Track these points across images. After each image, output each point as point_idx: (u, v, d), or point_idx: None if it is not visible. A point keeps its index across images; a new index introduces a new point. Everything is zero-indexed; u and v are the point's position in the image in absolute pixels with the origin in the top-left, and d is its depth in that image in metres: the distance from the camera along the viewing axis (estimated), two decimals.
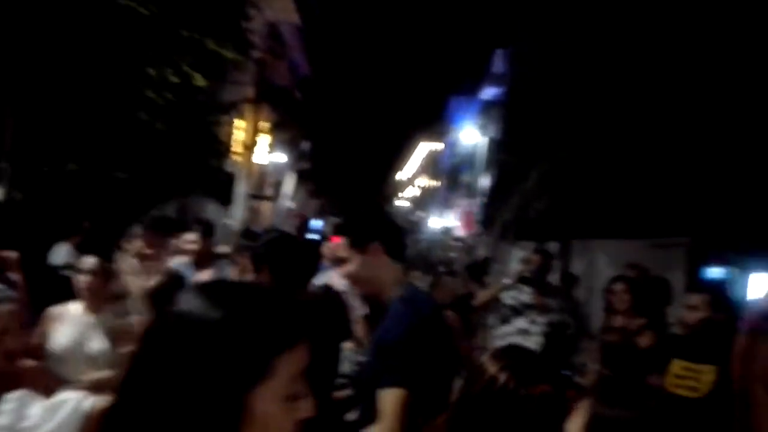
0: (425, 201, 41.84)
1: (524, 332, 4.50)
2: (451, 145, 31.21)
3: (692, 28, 8.66)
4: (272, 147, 19.53)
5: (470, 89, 24.73)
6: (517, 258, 6.63)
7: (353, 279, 2.41)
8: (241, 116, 15.12)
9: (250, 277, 2.96)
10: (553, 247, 10.07)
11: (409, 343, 2.13)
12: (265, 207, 21.55)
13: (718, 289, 3.49)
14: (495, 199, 15.20)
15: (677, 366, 3.13)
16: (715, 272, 8.69)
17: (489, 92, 21.33)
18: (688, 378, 3.01)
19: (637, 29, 9.62)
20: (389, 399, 2.05)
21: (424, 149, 40.87)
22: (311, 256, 3.62)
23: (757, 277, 8.70)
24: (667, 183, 9.83)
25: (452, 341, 2.62)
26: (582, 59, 10.85)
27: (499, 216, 14.12)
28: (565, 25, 11.53)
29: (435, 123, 35.09)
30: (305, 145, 25.48)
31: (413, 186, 46.94)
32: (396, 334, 2.17)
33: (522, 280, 5.05)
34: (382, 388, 2.08)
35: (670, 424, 2.51)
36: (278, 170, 22.08)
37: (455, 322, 4.00)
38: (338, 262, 2.94)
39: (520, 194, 12.95)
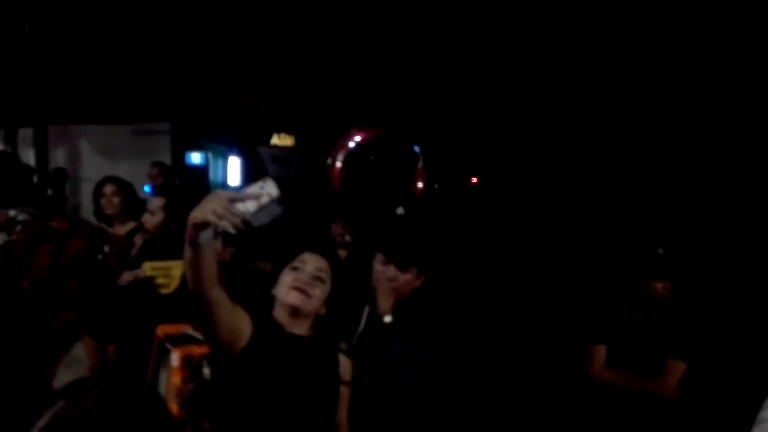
0: None
1: None
2: None
3: None
4: None
5: None
6: None
7: None
8: None
9: None
10: (24, 133, 8.92)
11: None
12: None
13: (174, 192, 3.47)
14: None
15: (148, 267, 3.15)
16: (196, 157, 9.21)
17: None
18: (160, 276, 3.13)
19: None
20: None
21: None
22: None
23: (233, 160, 9.68)
24: (147, 66, 9.72)
25: None
26: None
27: None
28: None
29: None
30: None
31: None
32: None
33: None
34: None
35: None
36: None
37: None
38: None
39: None
